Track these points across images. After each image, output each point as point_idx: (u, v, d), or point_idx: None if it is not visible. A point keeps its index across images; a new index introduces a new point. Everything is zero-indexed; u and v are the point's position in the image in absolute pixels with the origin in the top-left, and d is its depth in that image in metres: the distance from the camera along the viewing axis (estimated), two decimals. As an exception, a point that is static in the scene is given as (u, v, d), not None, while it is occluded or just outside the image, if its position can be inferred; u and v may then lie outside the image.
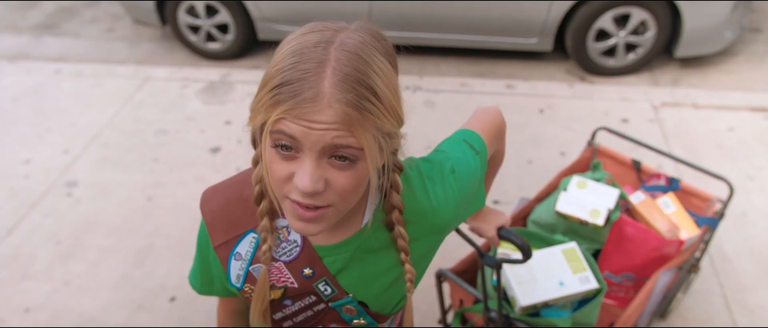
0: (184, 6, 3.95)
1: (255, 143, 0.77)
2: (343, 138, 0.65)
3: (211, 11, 3.96)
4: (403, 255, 0.85)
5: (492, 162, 1.10)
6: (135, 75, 3.90)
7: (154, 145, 3.24)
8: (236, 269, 0.88)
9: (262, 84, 0.68)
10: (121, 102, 3.63)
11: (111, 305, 2.34)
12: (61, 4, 5.18)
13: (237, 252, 0.87)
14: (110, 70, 3.97)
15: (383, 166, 0.77)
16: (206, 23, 4.01)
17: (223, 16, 3.95)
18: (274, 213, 0.83)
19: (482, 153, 0.95)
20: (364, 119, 0.65)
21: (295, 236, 0.86)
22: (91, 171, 3.06)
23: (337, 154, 0.66)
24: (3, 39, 4.61)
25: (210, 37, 4.11)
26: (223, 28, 4.05)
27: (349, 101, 0.63)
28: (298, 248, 0.86)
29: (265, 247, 0.83)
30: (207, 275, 0.94)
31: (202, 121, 3.42)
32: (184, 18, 4.01)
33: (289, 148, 0.66)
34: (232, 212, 0.86)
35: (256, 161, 0.80)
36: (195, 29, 4.08)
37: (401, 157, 0.85)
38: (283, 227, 0.86)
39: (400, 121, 0.72)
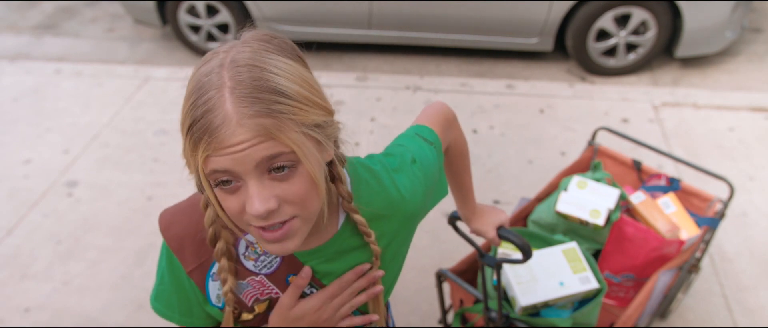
0: (184, 6, 3.95)
1: (201, 188, 0.76)
2: (270, 148, 0.64)
3: (211, 11, 3.96)
4: (365, 237, 0.85)
5: (455, 152, 1.11)
6: (135, 75, 3.90)
7: (154, 145, 3.24)
8: (215, 289, 0.86)
9: (181, 130, 0.67)
10: (121, 102, 3.63)
11: (111, 305, 2.34)
12: (61, 4, 5.18)
13: (213, 273, 0.85)
14: (110, 70, 3.97)
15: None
16: (207, 23, 4.01)
17: (224, 15, 3.95)
18: (231, 253, 0.82)
19: (436, 144, 0.99)
20: (281, 122, 0.64)
21: None
22: (91, 171, 3.06)
23: (273, 167, 0.65)
24: (3, 39, 4.61)
25: (210, 37, 4.11)
26: (223, 28, 4.05)
27: (258, 112, 0.62)
28: (278, 259, 0.85)
29: (226, 288, 0.82)
30: (185, 302, 0.88)
31: (202, 121, 3.41)
32: (184, 18, 4.01)
33: (229, 182, 0.66)
34: (200, 233, 0.84)
35: (205, 205, 0.79)
36: (196, 29, 4.08)
37: (362, 155, 0.86)
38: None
39: (325, 110, 0.71)
